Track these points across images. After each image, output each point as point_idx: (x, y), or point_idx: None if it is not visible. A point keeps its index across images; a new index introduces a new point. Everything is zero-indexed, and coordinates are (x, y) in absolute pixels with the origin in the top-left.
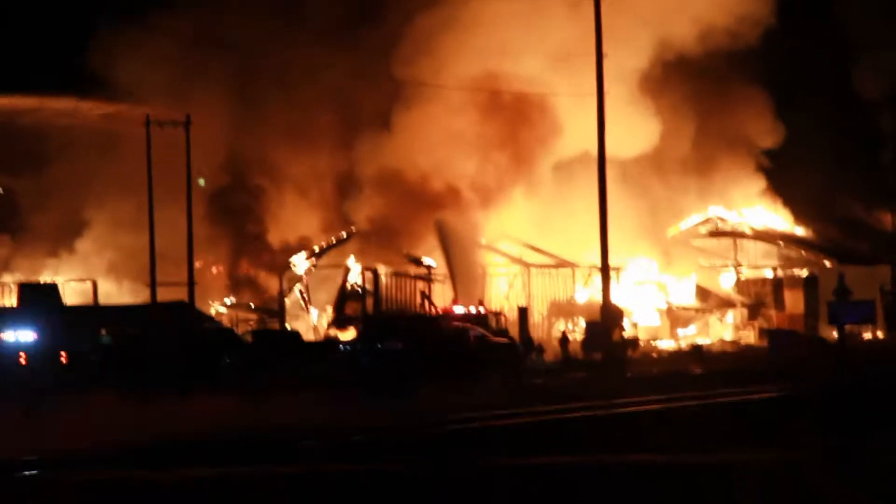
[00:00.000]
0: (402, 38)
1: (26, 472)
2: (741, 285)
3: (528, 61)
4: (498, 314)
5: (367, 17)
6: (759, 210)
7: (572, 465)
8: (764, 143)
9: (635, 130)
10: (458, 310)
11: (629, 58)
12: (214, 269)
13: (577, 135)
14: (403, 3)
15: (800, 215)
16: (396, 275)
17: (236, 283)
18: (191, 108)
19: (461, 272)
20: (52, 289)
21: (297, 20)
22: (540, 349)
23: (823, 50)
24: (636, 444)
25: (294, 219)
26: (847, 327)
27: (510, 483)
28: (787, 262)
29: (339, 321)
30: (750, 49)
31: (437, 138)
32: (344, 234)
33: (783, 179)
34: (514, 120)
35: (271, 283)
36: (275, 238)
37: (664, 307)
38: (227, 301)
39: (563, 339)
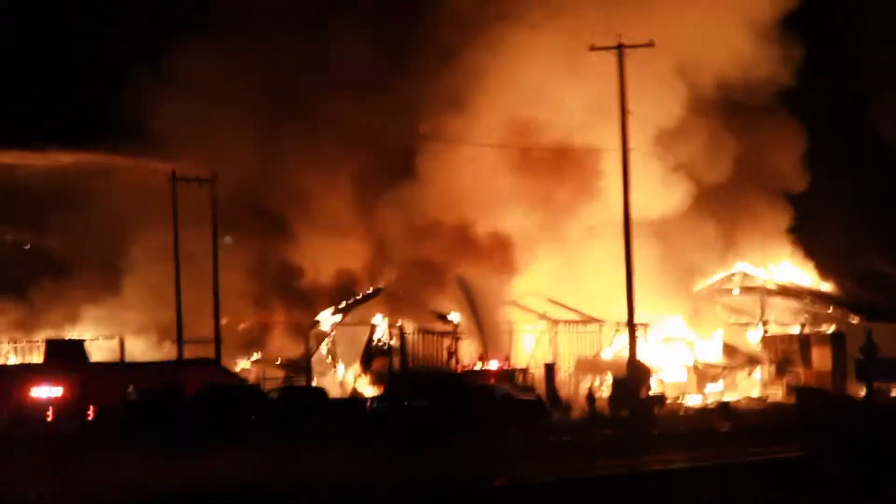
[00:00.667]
0: (430, 91)
1: None
2: (768, 342)
3: (559, 116)
4: (524, 371)
5: (395, 67)
6: (785, 266)
7: None
8: (789, 201)
9: (663, 188)
10: (485, 366)
11: (656, 114)
12: (241, 326)
13: (607, 192)
14: (433, 54)
15: (826, 271)
16: (423, 331)
17: (262, 340)
18: (217, 161)
19: (488, 328)
20: (79, 345)
21: (325, 70)
22: (566, 406)
23: (846, 101)
24: (664, 501)
25: (320, 274)
26: (875, 384)
27: None
28: (814, 319)
29: (367, 373)
30: (772, 104)
31: (463, 194)
32: (371, 289)
33: (809, 235)
34: (544, 175)
35: (297, 341)
36: (302, 292)
37: (691, 364)
38: (253, 357)
39: (590, 396)
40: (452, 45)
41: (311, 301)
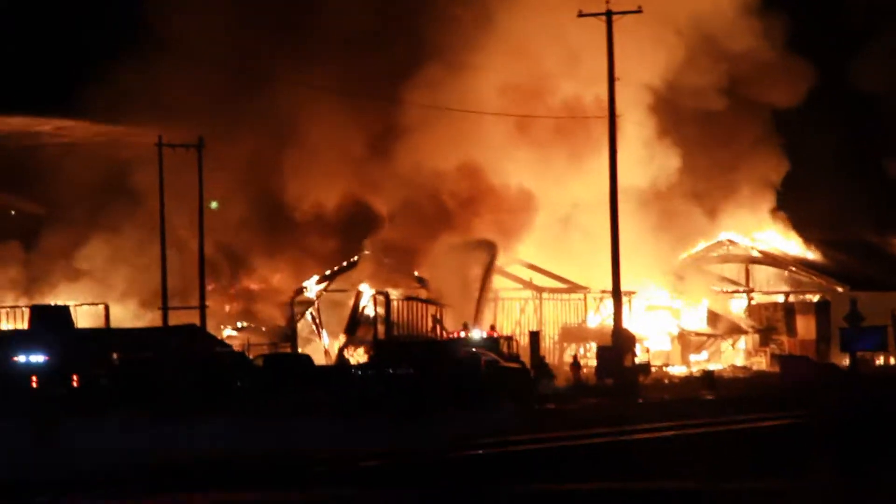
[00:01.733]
0: (422, 58)
1: (39, 498)
2: (753, 311)
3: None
4: (509, 339)
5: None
6: (770, 235)
7: (593, 492)
8: (775, 168)
9: (649, 158)
10: (471, 334)
11: (643, 84)
12: (231, 291)
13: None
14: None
15: (811, 240)
16: (408, 299)
17: (248, 307)
18: (204, 130)
19: (484, 294)
20: (64, 312)
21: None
22: (550, 374)
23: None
24: (649, 470)
25: (307, 241)
26: (859, 353)
27: None
28: (799, 287)
29: (352, 341)
30: (761, 72)
31: (451, 162)
32: (355, 257)
33: (794, 204)
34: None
35: (283, 308)
36: (288, 261)
37: (676, 333)
38: (239, 325)
39: (575, 364)
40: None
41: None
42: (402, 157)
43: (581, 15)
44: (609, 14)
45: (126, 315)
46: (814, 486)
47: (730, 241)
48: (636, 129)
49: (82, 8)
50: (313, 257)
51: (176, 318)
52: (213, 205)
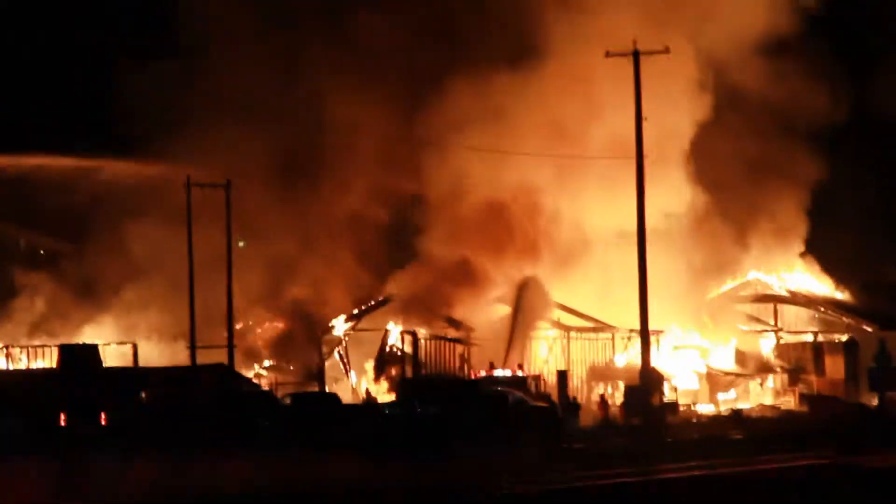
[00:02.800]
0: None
1: None
2: (781, 350)
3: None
4: (537, 378)
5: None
6: (798, 274)
7: None
8: (804, 206)
9: (676, 197)
10: (498, 373)
11: (673, 121)
12: (258, 330)
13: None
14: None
15: (840, 280)
16: (435, 338)
17: (276, 347)
18: (231, 172)
19: (522, 335)
20: (93, 350)
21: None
22: (576, 411)
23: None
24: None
25: (336, 281)
26: (889, 393)
27: None
28: (828, 327)
29: (380, 379)
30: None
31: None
32: (382, 297)
33: (823, 243)
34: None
35: (311, 347)
36: (316, 301)
37: (704, 371)
38: (266, 363)
39: (603, 403)
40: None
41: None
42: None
43: (608, 55)
44: (636, 54)
45: (154, 354)
46: None
47: (758, 280)
48: (665, 168)
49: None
50: (343, 294)
51: (205, 357)
52: (241, 244)
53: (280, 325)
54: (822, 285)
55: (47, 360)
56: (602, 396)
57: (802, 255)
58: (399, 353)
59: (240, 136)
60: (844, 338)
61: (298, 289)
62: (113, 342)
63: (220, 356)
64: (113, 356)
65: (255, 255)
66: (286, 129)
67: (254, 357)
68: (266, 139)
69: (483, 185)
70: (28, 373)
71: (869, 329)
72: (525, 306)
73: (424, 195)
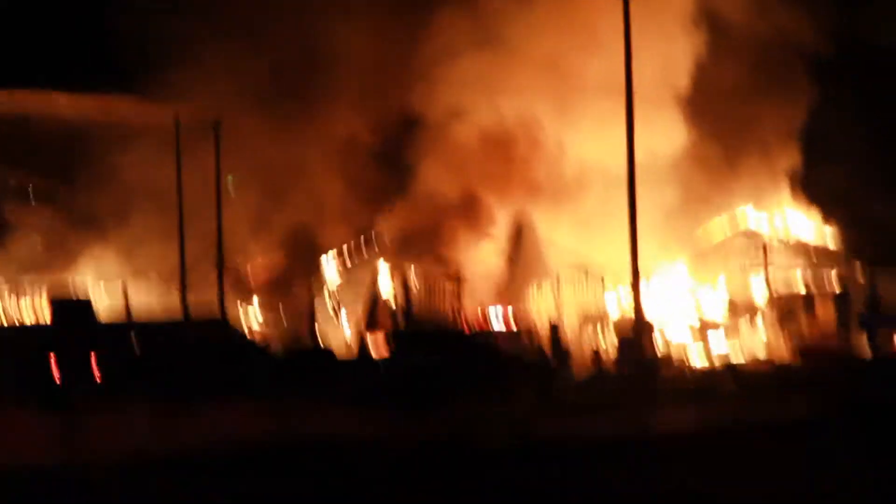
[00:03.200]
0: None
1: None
2: (773, 302)
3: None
4: (530, 329)
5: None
6: (789, 212)
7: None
8: (793, 141)
9: (663, 134)
10: (492, 323)
11: (654, 60)
12: (249, 269)
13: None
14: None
15: (832, 220)
16: (427, 277)
17: (267, 289)
18: (221, 105)
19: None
20: (86, 305)
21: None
22: (565, 356)
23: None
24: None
25: (325, 222)
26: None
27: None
28: (819, 265)
29: (373, 325)
30: (777, 49)
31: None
32: (373, 234)
33: (814, 179)
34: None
35: (301, 289)
36: (306, 238)
37: (695, 318)
38: (260, 310)
39: (596, 354)
40: None
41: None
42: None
43: None
44: None
45: (144, 292)
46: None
47: (748, 218)
48: (655, 105)
49: None
50: (333, 236)
51: (196, 296)
52: (230, 179)
53: (270, 267)
54: (813, 223)
55: (38, 298)
56: (596, 348)
57: (792, 192)
58: (392, 293)
59: (229, 67)
60: (834, 275)
61: (289, 223)
62: (103, 281)
63: (210, 295)
64: (103, 294)
65: (246, 192)
66: (275, 57)
67: (245, 296)
68: (255, 68)
69: (477, 116)
70: (20, 328)
71: (860, 268)
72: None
73: (418, 122)
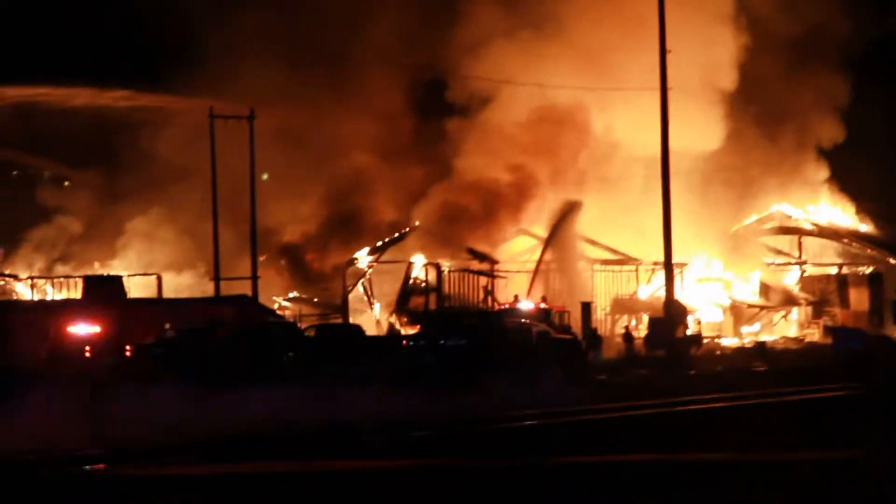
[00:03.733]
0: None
1: (88, 467)
2: (805, 282)
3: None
4: (561, 310)
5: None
6: (823, 206)
7: (640, 464)
8: (827, 138)
9: (700, 128)
10: (522, 305)
11: (694, 54)
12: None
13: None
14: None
15: (864, 211)
16: (460, 270)
17: (300, 278)
18: (256, 102)
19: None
20: (117, 281)
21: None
22: (599, 341)
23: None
24: (700, 442)
25: (358, 213)
26: None
27: (580, 481)
28: (852, 259)
29: (404, 314)
30: (812, 44)
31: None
32: (407, 228)
33: (847, 174)
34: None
35: (335, 279)
36: (339, 232)
37: (728, 304)
38: (291, 295)
39: (628, 335)
40: None
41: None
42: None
43: None
44: None
45: (178, 285)
46: (871, 456)
47: (782, 212)
48: (690, 100)
49: None
50: (366, 228)
51: (228, 289)
52: (264, 176)
53: (305, 256)
54: (846, 216)
55: (72, 291)
56: (627, 329)
57: (827, 186)
58: (423, 284)
59: (262, 63)
60: (869, 270)
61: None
62: (137, 273)
63: (245, 287)
64: (137, 287)
65: (280, 184)
66: (309, 55)
67: (278, 289)
68: (288, 63)
69: (518, 106)
70: (52, 304)
71: (893, 261)
72: (563, 234)
73: (455, 110)
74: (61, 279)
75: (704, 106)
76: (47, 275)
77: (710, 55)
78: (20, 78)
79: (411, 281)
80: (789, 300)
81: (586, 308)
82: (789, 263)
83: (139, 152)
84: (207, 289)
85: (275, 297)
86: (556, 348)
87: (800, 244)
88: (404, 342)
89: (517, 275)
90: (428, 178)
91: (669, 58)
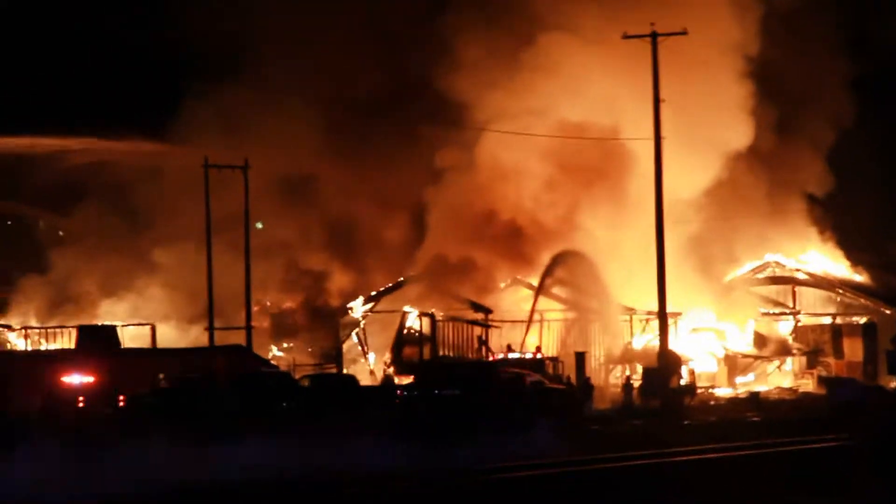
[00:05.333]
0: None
1: None
2: (799, 332)
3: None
4: (555, 360)
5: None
6: (816, 256)
7: None
8: (818, 188)
9: (691, 176)
10: (514, 355)
11: (690, 102)
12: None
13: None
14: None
15: (858, 262)
16: (453, 320)
17: (294, 328)
18: (250, 151)
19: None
20: (111, 331)
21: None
22: (591, 390)
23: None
24: (694, 492)
25: (353, 263)
26: None
27: None
28: (846, 310)
29: (399, 364)
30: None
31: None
32: (401, 278)
33: (840, 225)
34: (576, 165)
35: (329, 329)
36: (334, 282)
37: (722, 354)
38: (285, 345)
39: (627, 386)
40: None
41: (343, 292)
42: (448, 186)
43: (626, 37)
44: (654, 35)
45: (172, 335)
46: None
47: (776, 262)
48: (680, 150)
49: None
50: (361, 277)
51: (223, 339)
52: (259, 225)
53: (298, 307)
54: (840, 266)
55: (65, 341)
56: (627, 379)
57: (820, 237)
58: (417, 335)
59: (257, 116)
60: (863, 320)
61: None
62: (131, 323)
63: (237, 338)
64: (131, 338)
65: (273, 236)
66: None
67: (272, 338)
68: (283, 117)
69: (502, 167)
70: (46, 353)
71: (887, 311)
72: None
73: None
74: (55, 329)
75: (698, 154)
76: (41, 325)
77: (705, 105)
78: (16, 128)
79: (405, 331)
80: (783, 350)
81: (580, 358)
82: (783, 313)
83: (133, 204)
84: (202, 340)
85: (268, 347)
86: (551, 398)
87: (794, 294)
88: (399, 393)
89: (512, 326)
90: (421, 226)
91: (663, 106)
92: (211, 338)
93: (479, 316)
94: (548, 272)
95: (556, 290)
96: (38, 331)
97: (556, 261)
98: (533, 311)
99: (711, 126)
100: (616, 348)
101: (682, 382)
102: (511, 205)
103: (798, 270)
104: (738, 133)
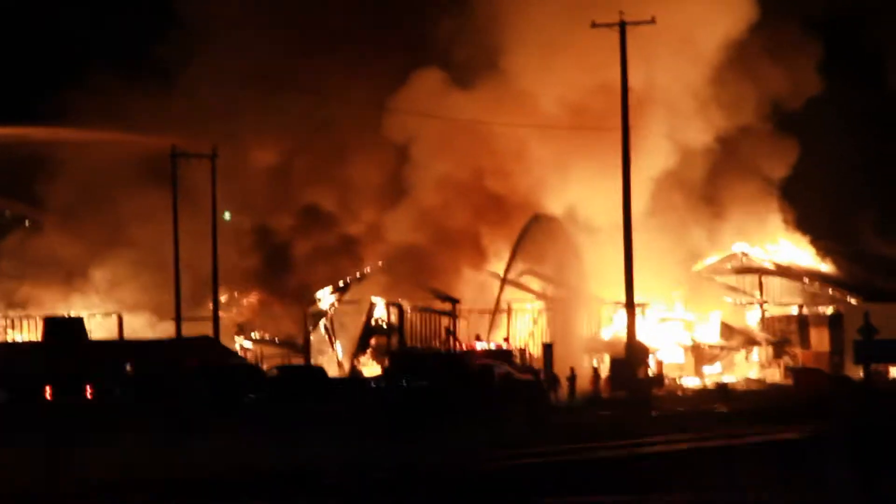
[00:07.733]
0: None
1: None
2: (766, 323)
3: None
4: (522, 350)
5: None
6: (783, 246)
7: None
8: (784, 176)
9: (662, 169)
10: (482, 346)
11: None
12: (244, 302)
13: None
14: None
15: (824, 252)
16: (421, 310)
17: (261, 318)
18: (218, 139)
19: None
20: (78, 323)
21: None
22: (555, 381)
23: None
24: (661, 483)
25: (320, 253)
26: (873, 366)
27: None
28: (813, 300)
29: (365, 352)
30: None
31: (465, 173)
32: (368, 268)
33: (807, 215)
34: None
35: (296, 319)
36: (301, 272)
37: (689, 344)
38: (253, 336)
39: (595, 376)
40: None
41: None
42: (417, 167)
43: (594, 25)
44: (622, 24)
45: (139, 325)
46: (829, 499)
47: (743, 252)
48: (648, 140)
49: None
50: (327, 268)
51: (190, 330)
52: (226, 216)
53: (265, 297)
54: (807, 257)
55: (31, 332)
56: (595, 370)
57: (787, 226)
58: (384, 325)
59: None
60: (829, 310)
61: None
62: (97, 313)
63: (205, 328)
64: (98, 328)
65: (242, 225)
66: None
67: (239, 329)
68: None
69: (473, 156)
70: (12, 345)
71: (854, 301)
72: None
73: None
74: (22, 318)
75: (663, 141)
76: (4, 314)
77: (666, 92)
78: None
79: (373, 321)
80: (750, 340)
81: (548, 349)
82: (750, 303)
83: (101, 193)
84: (168, 329)
85: (236, 337)
86: (519, 389)
87: (760, 284)
88: (367, 384)
89: (480, 315)
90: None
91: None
92: (178, 329)
93: (447, 306)
94: (524, 233)
95: (524, 279)
96: (2, 321)
97: (532, 222)
98: (498, 300)
99: (674, 115)
100: (584, 338)
101: (650, 373)
102: (472, 200)
103: (765, 260)
104: (703, 122)
